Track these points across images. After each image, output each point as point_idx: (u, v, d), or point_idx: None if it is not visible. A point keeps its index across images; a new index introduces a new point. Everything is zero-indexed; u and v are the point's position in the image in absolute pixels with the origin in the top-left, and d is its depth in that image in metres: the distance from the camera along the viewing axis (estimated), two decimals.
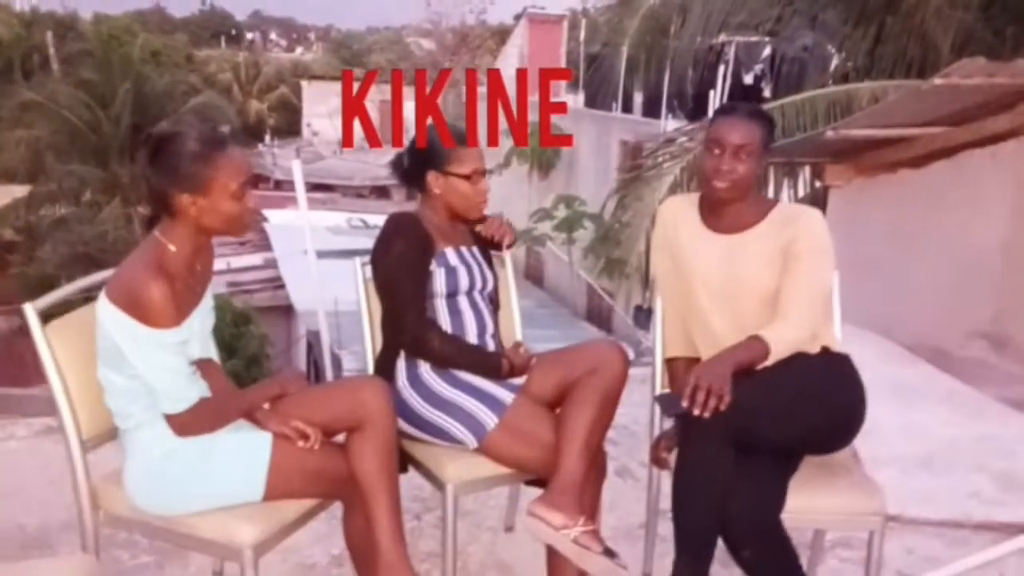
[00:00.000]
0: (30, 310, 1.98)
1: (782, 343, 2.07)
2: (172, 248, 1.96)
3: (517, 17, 26.11)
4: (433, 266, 2.34)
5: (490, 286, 2.49)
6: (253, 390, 2.13)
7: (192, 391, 1.96)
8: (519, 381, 2.33)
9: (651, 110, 14.23)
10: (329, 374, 8.87)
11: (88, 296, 2.05)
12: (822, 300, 2.24)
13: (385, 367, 2.37)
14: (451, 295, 2.37)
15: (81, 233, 16.29)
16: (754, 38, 11.81)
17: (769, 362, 2.05)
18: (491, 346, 2.41)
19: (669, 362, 2.43)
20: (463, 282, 2.39)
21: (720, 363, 1.99)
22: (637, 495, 2.80)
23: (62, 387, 1.99)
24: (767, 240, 2.22)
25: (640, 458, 2.57)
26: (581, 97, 17.18)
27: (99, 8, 30.64)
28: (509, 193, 15.70)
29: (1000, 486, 3.24)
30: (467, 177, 2.38)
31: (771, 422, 2.04)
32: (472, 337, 2.37)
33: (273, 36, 59.13)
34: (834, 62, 9.58)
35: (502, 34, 26.20)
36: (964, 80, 4.11)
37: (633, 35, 8.30)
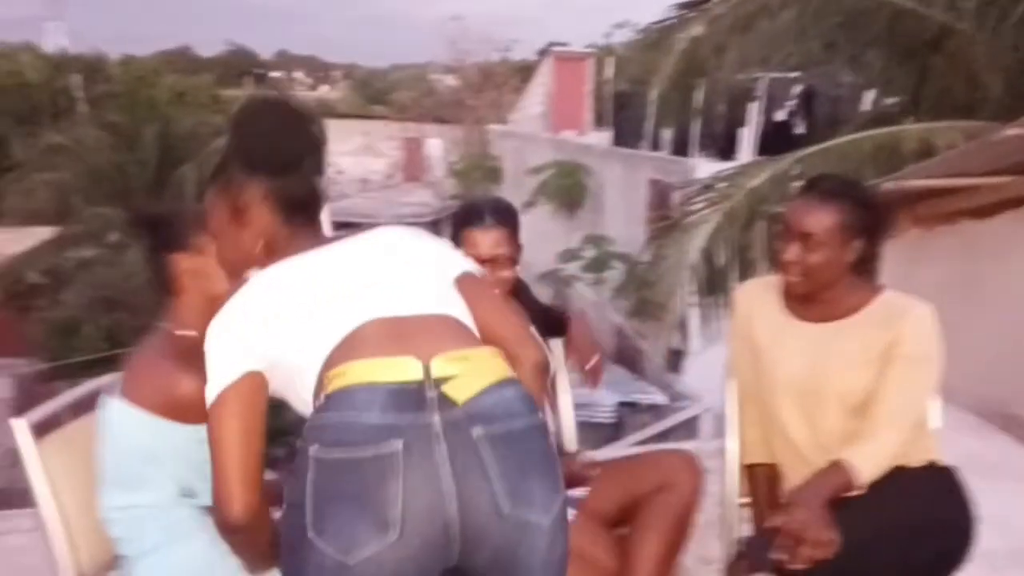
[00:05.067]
0: (22, 427, 1.73)
1: (872, 469, 1.80)
2: (191, 333, 1.76)
3: (540, 53, 26.08)
4: None
5: (551, 373, 2.21)
6: None
7: None
8: (577, 494, 2.04)
9: (679, 148, 14.01)
10: None
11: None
12: (917, 415, 1.95)
13: None
14: None
15: (105, 276, 16.22)
16: (787, 74, 11.60)
17: (859, 490, 1.77)
18: None
19: (749, 469, 2.14)
20: None
21: (814, 502, 1.71)
22: None
23: (58, 516, 1.73)
24: (864, 336, 1.93)
25: None
26: (608, 135, 16.96)
27: (126, 50, 31.05)
28: (535, 233, 15.51)
29: None
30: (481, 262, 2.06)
31: (874, 558, 1.75)
32: None
33: (298, 75, 59.73)
34: (870, 98, 9.34)
35: (525, 71, 26.14)
36: None
37: (668, 74, 8.08)
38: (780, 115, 13.42)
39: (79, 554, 1.77)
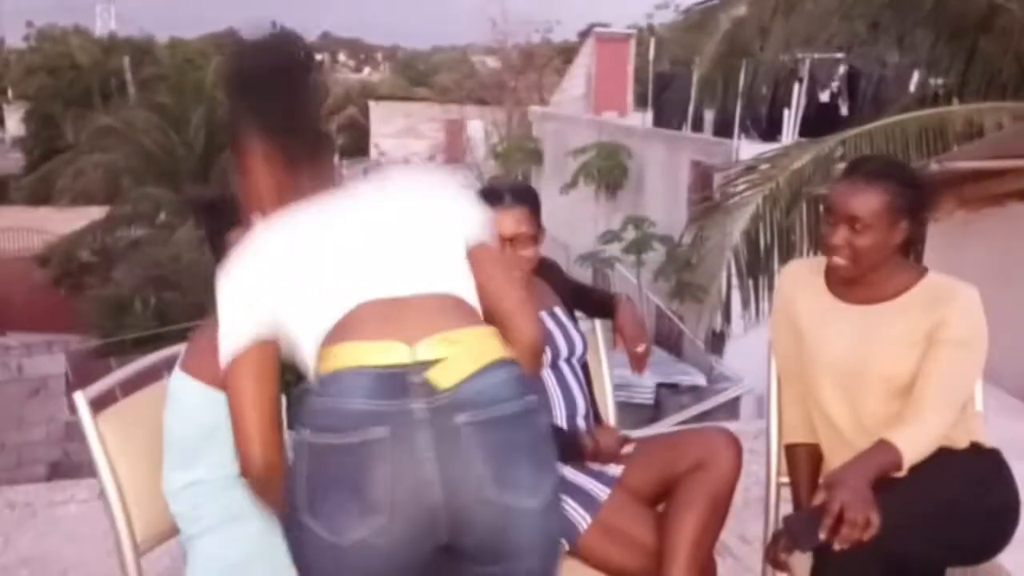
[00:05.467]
0: (80, 399, 1.80)
1: (916, 450, 1.79)
2: None
3: (581, 35, 25.92)
4: None
5: (579, 352, 2.23)
6: None
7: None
8: (614, 472, 2.07)
9: (721, 129, 13.89)
10: None
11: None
12: (963, 398, 1.94)
13: None
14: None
15: (155, 255, 16.51)
16: (831, 55, 11.44)
17: (903, 471, 1.78)
18: (583, 429, 2.15)
19: (788, 449, 2.14)
20: (563, 348, 2.16)
21: (856, 482, 1.70)
22: None
23: (116, 489, 1.80)
24: (909, 318, 1.91)
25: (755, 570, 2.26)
26: (650, 116, 16.84)
27: (174, 32, 31.38)
28: (575, 215, 15.49)
29: None
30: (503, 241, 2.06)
31: (917, 540, 1.75)
32: (560, 419, 2.11)
33: (341, 57, 59.96)
34: (914, 79, 9.18)
35: (567, 52, 26.02)
36: None
37: (710, 55, 8.03)
38: (824, 96, 13.24)
39: (135, 525, 1.82)
